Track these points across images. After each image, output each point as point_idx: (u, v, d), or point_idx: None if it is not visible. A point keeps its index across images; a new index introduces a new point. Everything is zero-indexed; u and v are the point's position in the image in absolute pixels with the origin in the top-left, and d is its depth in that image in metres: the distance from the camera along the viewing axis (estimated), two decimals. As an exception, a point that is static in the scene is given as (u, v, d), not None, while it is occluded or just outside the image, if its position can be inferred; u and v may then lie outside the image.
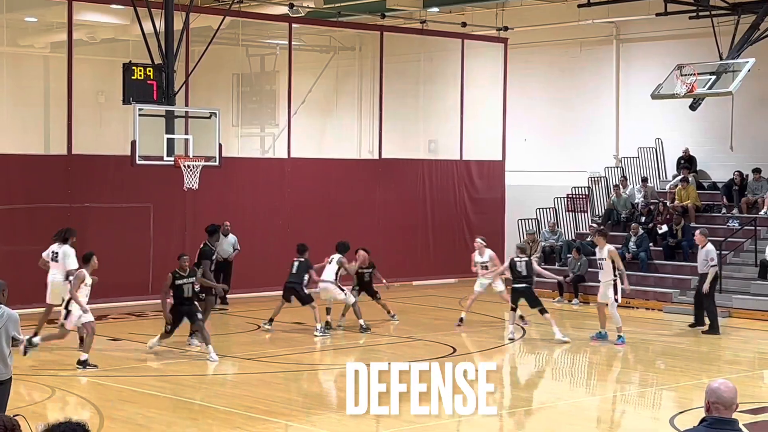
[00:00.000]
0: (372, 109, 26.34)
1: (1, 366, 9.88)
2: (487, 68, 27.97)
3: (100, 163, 21.30)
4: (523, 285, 18.07)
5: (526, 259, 18.34)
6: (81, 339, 15.64)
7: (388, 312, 19.38)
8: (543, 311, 18.14)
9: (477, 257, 19.95)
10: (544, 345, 18.87)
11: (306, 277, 18.10)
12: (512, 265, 18.20)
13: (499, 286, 20.26)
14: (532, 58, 28.53)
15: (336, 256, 18.41)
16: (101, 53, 25.58)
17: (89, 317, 15.16)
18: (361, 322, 18.32)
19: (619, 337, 17.72)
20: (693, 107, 22.67)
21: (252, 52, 27.61)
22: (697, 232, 19.76)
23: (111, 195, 21.20)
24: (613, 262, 17.93)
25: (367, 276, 19.05)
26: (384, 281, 19.14)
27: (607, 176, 26.68)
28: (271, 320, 18.35)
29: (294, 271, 18.10)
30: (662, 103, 23.69)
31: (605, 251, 18.07)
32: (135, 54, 21.35)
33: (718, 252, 21.24)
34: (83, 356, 15.04)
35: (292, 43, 24.27)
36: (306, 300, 18.03)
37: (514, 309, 18.29)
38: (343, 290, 18.37)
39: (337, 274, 18.33)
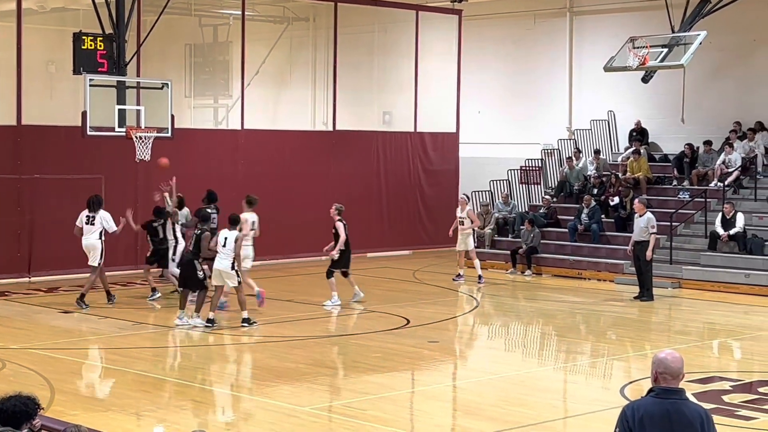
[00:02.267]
0: (326, 81, 26.22)
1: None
2: (442, 40, 27.94)
3: (51, 134, 21.04)
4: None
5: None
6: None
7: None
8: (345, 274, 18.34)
9: (458, 212, 21.24)
10: (497, 316, 19.01)
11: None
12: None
13: (470, 243, 20.93)
14: (486, 30, 28.54)
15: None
16: (51, 22, 25.18)
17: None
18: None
19: None
20: (645, 80, 22.81)
21: (205, 22, 27.32)
22: (636, 200, 20.05)
23: (62, 166, 20.97)
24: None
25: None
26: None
27: (560, 148, 26.81)
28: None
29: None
30: (615, 75, 23.82)
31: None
32: (86, 23, 21.05)
33: (668, 224, 21.53)
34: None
35: (246, 13, 24.06)
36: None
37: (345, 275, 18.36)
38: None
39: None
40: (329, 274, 18.19)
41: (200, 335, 15.99)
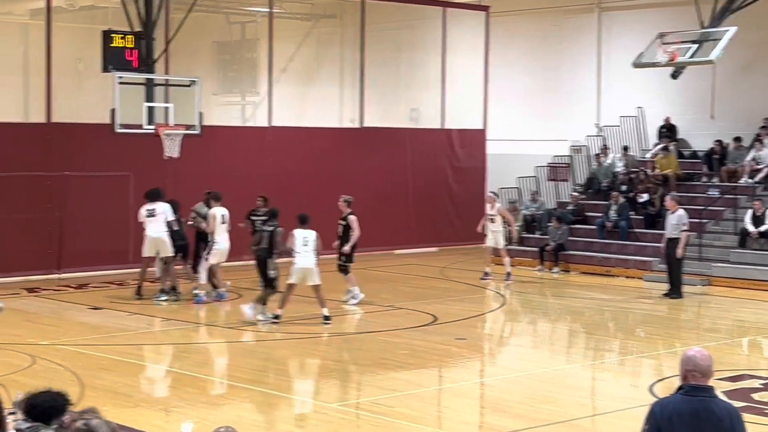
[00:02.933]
0: (353, 78, 26.23)
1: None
2: (469, 37, 27.88)
3: (80, 131, 21.16)
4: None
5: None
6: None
7: None
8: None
9: (487, 209, 21.15)
10: (525, 313, 18.96)
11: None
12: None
13: (500, 241, 20.85)
14: (513, 26, 28.45)
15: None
16: (80, 20, 25.36)
17: None
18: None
19: None
20: (674, 76, 22.67)
21: (232, 20, 27.44)
22: (668, 197, 19.94)
23: (91, 164, 21.09)
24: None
25: None
26: None
27: (589, 145, 26.70)
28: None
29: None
30: (644, 71, 23.66)
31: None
32: (114, 21, 21.18)
33: (698, 221, 21.38)
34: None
35: (273, 10, 24.11)
36: None
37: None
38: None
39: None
40: (345, 270, 18.09)
41: (228, 331, 16.04)
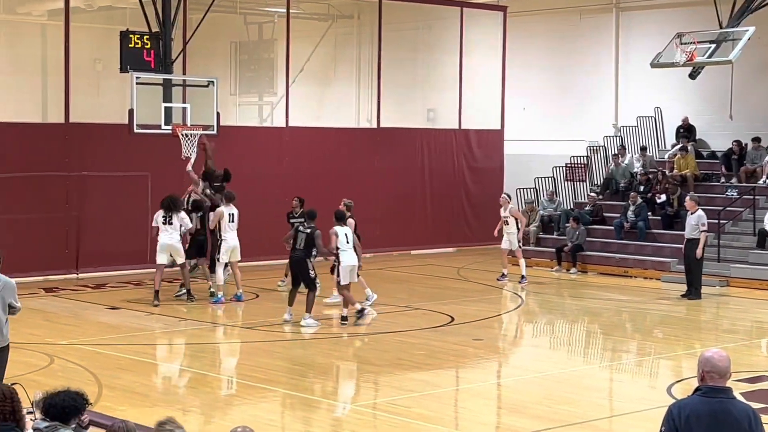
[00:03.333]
0: (370, 78, 26.24)
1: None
2: (486, 36, 27.83)
3: (98, 131, 21.23)
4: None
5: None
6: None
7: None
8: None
9: (501, 211, 21.09)
10: (542, 314, 18.92)
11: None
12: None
13: (515, 243, 20.77)
14: (531, 26, 28.40)
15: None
16: (98, 21, 25.43)
17: None
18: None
19: None
20: (692, 76, 22.59)
21: (250, 20, 27.46)
22: (687, 197, 19.87)
23: (109, 164, 21.16)
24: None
25: None
26: None
27: (606, 145, 26.62)
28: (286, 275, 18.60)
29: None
30: (662, 71, 23.60)
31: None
32: (132, 22, 21.23)
33: (716, 221, 21.28)
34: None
35: (290, 10, 24.13)
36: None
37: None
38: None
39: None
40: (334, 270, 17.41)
41: (245, 332, 16.08)
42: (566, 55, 28.04)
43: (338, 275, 15.97)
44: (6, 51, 24.10)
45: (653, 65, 22.33)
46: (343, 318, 16.07)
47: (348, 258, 15.91)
